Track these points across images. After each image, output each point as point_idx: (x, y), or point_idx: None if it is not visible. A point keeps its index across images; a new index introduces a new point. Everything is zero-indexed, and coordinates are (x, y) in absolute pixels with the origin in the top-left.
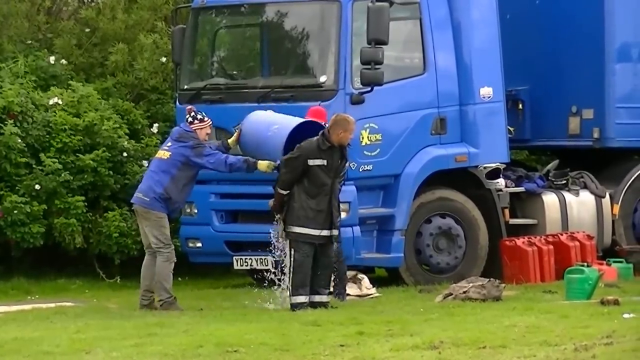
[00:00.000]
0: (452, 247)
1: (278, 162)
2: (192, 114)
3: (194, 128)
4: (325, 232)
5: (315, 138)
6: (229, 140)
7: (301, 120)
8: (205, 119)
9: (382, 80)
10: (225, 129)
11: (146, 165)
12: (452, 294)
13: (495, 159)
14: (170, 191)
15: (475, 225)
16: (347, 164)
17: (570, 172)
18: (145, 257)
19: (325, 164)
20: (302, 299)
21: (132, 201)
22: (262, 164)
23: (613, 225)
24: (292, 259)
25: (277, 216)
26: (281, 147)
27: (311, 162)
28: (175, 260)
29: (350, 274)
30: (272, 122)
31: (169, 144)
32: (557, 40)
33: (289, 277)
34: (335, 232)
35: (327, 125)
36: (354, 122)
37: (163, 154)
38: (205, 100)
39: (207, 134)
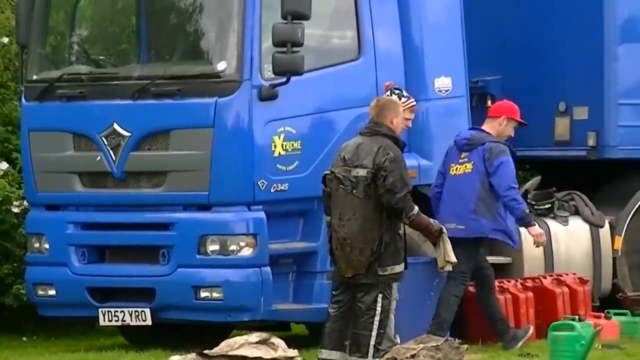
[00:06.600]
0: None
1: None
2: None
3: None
4: (403, 264)
5: (387, 142)
6: None
7: None
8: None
9: (302, 68)
10: (87, 135)
11: None
12: (395, 359)
13: None
14: None
15: None
16: None
17: (557, 193)
18: None
19: None
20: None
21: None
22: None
23: (614, 265)
24: (380, 310)
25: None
26: None
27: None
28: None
29: (259, 336)
30: None
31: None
32: (539, 13)
33: (373, 334)
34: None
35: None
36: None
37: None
38: (62, 96)
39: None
